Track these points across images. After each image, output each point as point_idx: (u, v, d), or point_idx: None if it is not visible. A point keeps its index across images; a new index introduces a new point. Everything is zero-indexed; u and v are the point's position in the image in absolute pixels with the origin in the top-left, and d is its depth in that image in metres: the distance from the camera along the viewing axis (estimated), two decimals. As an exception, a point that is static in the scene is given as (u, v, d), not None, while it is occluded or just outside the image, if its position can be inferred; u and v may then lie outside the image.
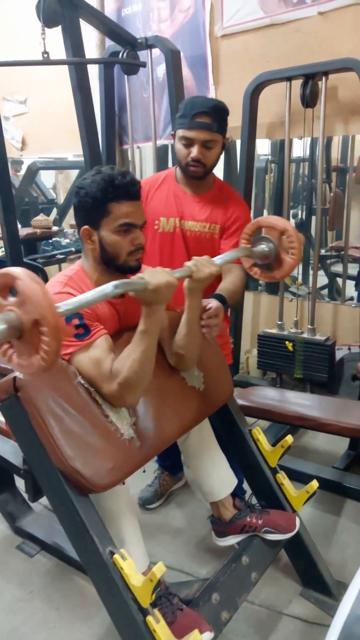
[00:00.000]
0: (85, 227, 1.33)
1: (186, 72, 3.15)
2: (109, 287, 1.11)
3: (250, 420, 2.61)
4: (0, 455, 1.86)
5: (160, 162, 3.42)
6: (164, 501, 2.22)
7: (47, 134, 3.91)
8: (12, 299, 0.95)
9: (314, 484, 1.64)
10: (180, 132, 1.71)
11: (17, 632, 1.64)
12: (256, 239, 1.57)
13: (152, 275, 1.20)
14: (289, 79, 2.61)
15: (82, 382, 1.28)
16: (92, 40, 3.35)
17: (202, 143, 1.68)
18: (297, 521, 1.61)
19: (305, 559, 1.71)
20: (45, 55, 2.47)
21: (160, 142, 3.39)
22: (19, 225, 4.25)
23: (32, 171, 4.50)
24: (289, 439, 1.64)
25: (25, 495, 1.86)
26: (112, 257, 1.34)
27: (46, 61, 2.49)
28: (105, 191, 1.28)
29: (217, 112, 1.69)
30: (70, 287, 1.33)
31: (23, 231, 3.80)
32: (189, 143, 1.70)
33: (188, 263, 1.35)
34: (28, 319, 0.92)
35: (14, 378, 1.20)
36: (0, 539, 2.05)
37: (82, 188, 1.31)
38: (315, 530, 1.99)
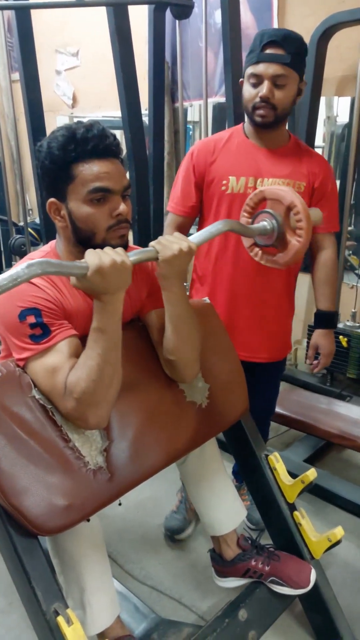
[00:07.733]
0: (51, 199, 1.04)
1: (248, 17, 2.73)
2: (22, 270, 0.84)
3: (282, 427, 2.31)
4: None
5: (216, 123, 3.06)
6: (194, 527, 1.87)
7: (99, 91, 3.62)
8: None
9: (338, 531, 1.32)
10: (248, 70, 1.45)
11: (-12, 650, 1.49)
12: (259, 213, 1.25)
13: (92, 256, 0.93)
14: (366, 21, 2.15)
15: (38, 397, 1.03)
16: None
17: (272, 79, 1.42)
18: (312, 575, 1.31)
19: (321, 614, 1.42)
20: (79, -4, 2.18)
21: (214, 100, 3.01)
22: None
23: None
24: (311, 474, 1.32)
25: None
26: (88, 236, 1.04)
27: (79, 3, 2.19)
28: (66, 149, 0.99)
29: (291, 43, 1.41)
30: None
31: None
32: (257, 81, 1.44)
33: (152, 242, 1.07)
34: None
35: None
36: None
37: (40, 150, 1.02)
38: (346, 572, 1.67)
